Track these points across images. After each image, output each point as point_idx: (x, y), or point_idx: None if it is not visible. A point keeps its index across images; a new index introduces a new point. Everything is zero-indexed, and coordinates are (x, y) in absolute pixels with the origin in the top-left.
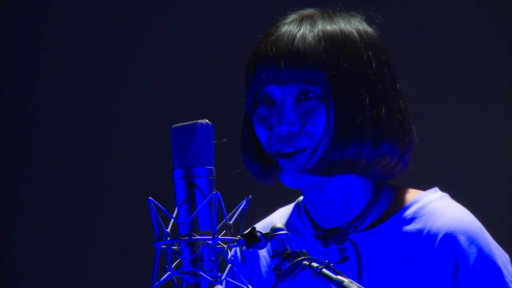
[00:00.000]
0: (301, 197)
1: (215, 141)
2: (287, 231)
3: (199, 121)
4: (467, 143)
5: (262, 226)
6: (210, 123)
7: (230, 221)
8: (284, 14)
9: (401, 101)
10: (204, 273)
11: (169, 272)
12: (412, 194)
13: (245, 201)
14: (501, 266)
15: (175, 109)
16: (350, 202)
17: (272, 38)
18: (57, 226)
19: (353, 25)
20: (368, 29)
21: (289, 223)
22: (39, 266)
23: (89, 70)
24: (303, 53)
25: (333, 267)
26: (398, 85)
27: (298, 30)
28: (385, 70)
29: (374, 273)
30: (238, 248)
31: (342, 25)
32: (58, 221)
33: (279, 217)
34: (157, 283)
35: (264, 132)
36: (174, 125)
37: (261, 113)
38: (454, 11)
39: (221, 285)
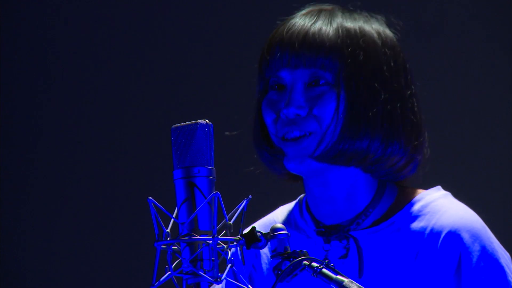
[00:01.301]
0: (303, 195)
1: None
2: (288, 227)
3: (199, 121)
4: (468, 142)
5: (263, 223)
6: (210, 123)
7: (230, 221)
8: (284, 14)
9: (415, 103)
10: (204, 273)
11: (169, 272)
12: (415, 193)
13: (245, 201)
14: (504, 265)
15: (175, 109)
16: (353, 199)
17: (288, 24)
18: (57, 226)
19: (372, 24)
20: (388, 31)
21: (291, 219)
22: (39, 266)
23: (89, 70)
24: (319, 39)
25: (333, 267)
26: (413, 88)
27: (316, 20)
28: (401, 70)
29: (375, 270)
30: (238, 248)
31: (361, 22)
32: (58, 221)
33: (280, 214)
34: (157, 283)
35: (272, 116)
36: (174, 125)
37: (271, 97)
38: (454, 11)
39: (221, 285)
